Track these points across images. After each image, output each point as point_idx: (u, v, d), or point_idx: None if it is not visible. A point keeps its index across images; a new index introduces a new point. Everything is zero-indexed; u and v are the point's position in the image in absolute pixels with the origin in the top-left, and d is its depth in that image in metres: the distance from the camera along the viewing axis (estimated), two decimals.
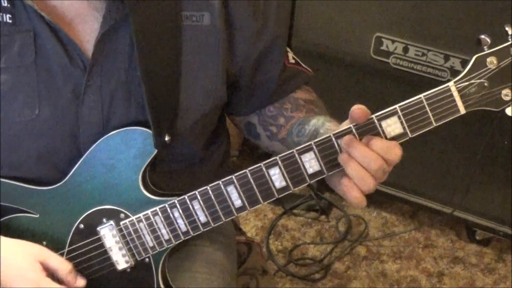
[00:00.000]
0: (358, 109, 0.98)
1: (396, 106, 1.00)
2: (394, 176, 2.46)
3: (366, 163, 0.98)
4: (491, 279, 2.35)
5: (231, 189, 1.07)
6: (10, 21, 1.06)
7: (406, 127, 1.00)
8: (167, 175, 1.20)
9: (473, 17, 1.91)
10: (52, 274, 1.13)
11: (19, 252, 1.11)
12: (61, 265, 1.13)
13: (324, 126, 1.15)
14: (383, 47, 2.09)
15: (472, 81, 0.98)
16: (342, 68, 2.20)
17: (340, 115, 1.14)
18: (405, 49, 2.06)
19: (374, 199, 2.63)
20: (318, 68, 2.21)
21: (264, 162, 1.05)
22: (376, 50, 2.10)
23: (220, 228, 1.39)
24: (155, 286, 1.18)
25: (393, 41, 2.07)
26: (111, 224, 1.14)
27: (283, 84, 1.25)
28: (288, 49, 1.26)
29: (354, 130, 1.01)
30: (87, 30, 1.09)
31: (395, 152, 0.99)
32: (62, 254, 1.16)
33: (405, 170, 2.28)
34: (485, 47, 0.97)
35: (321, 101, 1.28)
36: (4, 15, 1.06)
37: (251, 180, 1.06)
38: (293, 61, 1.26)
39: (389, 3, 2.03)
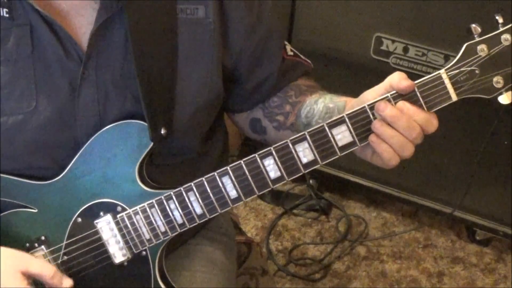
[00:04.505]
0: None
1: (388, 94, 1.01)
2: (394, 176, 2.45)
3: (408, 132, 1.00)
4: (491, 279, 2.35)
5: (226, 180, 1.08)
6: (7, 15, 1.07)
7: None
8: (165, 169, 1.21)
9: (473, 17, 1.90)
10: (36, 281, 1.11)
11: (1, 268, 1.08)
12: (43, 270, 1.10)
13: (332, 100, 1.17)
14: (383, 47, 2.09)
15: (463, 69, 0.99)
16: (342, 68, 2.20)
17: None
18: (405, 49, 2.06)
19: (374, 199, 2.63)
20: (318, 68, 2.21)
21: (258, 153, 1.05)
22: (376, 50, 2.10)
23: (220, 228, 1.40)
24: (152, 280, 1.18)
25: (393, 41, 2.07)
26: (108, 217, 1.15)
27: (283, 76, 1.26)
28: (286, 42, 1.27)
29: (347, 120, 1.02)
30: (82, 23, 1.09)
31: (433, 124, 1.01)
32: (60, 248, 1.16)
33: (405, 170, 2.29)
34: (475, 35, 0.98)
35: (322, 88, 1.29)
36: (1, 9, 1.07)
37: (246, 171, 1.06)
38: (291, 53, 1.27)
39: (389, 3, 2.03)
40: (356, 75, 2.19)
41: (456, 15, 1.94)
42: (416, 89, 1.00)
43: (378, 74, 2.09)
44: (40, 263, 1.11)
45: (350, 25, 2.12)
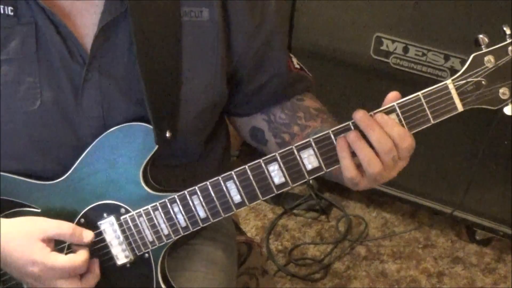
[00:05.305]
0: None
1: (394, 103, 1.01)
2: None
3: (379, 144, 1.00)
4: (491, 279, 2.35)
5: (230, 184, 1.08)
6: (12, 14, 1.07)
7: (405, 124, 1.01)
8: (167, 171, 1.21)
9: (473, 17, 1.91)
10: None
11: (18, 238, 1.09)
12: (61, 229, 1.11)
13: None
14: (383, 47, 2.09)
15: (470, 79, 0.99)
16: (342, 68, 2.20)
17: (340, 115, 1.15)
18: (405, 49, 2.06)
19: (374, 199, 2.63)
20: (318, 68, 2.22)
21: (263, 158, 1.06)
22: (376, 50, 2.10)
23: (220, 228, 1.40)
24: (154, 282, 1.18)
25: (393, 41, 2.07)
26: (112, 219, 1.15)
27: (289, 87, 1.26)
28: (292, 55, 1.28)
29: (353, 127, 1.02)
30: (86, 24, 1.09)
31: (407, 140, 1.01)
32: (63, 249, 1.16)
33: (405, 170, 2.28)
34: (482, 46, 0.98)
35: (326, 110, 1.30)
36: (5, 7, 1.06)
37: (250, 176, 1.06)
38: (298, 66, 1.28)
39: (389, 3, 2.03)
40: (356, 75, 2.19)
41: (456, 15, 1.95)
42: (422, 99, 1.00)
43: (378, 74, 2.12)
44: (55, 224, 1.12)
45: (350, 25, 2.12)
